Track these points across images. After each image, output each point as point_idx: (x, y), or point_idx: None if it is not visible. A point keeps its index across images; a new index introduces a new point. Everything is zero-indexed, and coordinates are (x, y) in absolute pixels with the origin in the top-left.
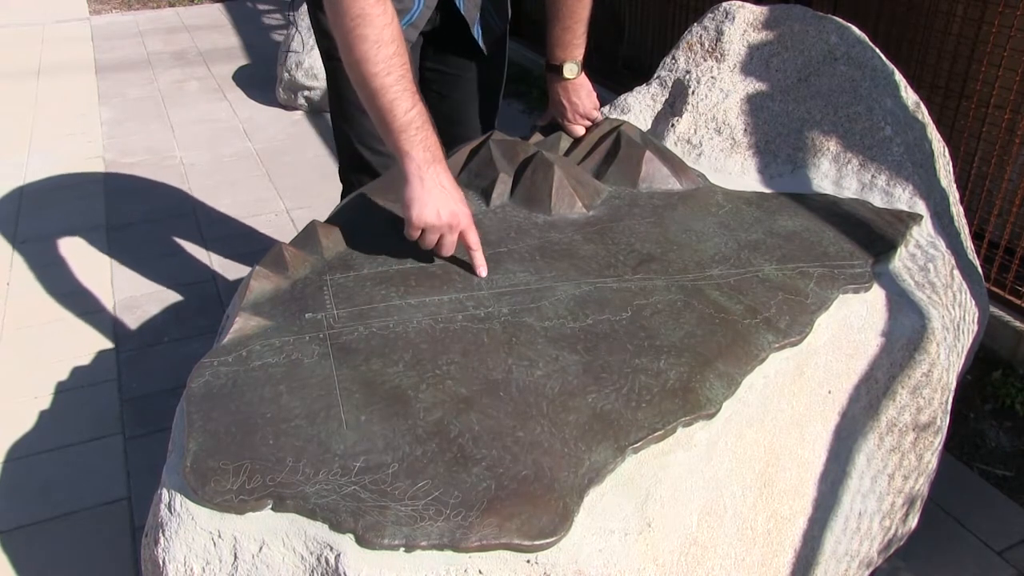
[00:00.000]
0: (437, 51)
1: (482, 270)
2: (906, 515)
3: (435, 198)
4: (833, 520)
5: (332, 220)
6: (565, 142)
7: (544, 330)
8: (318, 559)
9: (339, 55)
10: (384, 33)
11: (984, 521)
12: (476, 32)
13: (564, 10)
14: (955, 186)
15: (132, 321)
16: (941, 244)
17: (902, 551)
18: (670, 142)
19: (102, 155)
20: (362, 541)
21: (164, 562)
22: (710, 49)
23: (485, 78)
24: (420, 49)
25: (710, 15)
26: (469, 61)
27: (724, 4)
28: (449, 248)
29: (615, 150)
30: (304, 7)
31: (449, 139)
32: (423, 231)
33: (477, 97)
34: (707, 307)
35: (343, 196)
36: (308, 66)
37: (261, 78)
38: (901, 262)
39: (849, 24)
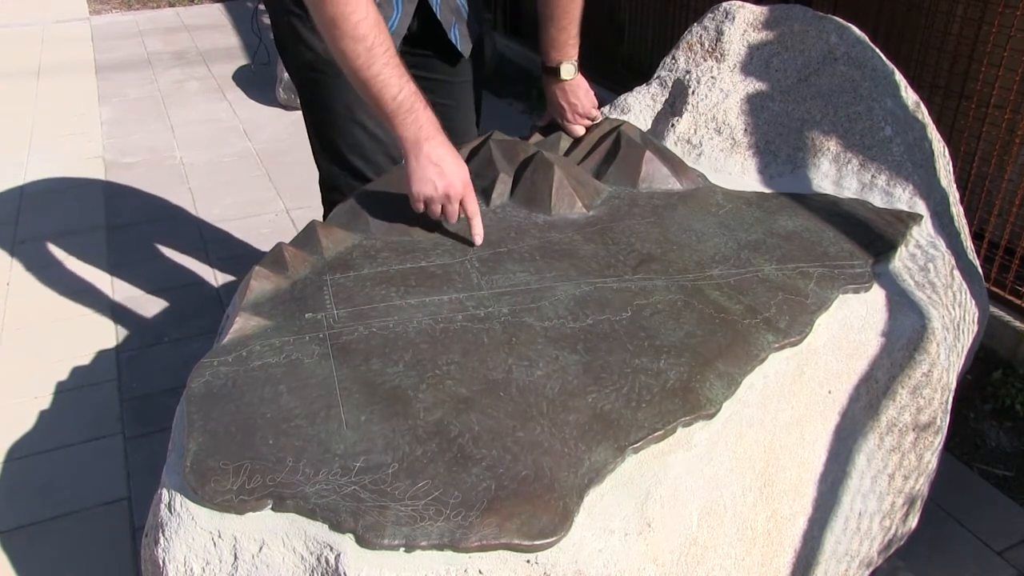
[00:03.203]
0: (419, 58)
1: (478, 239)
2: (906, 515)
3: (430, 172)
4: (833, 520)
5: (332, 220)
6: (565, 142)
7: (544, 330)
8: (318, 559)
9: (320, 67)
10: (358, 29)
11: (984, 521)
12: (453, 36)
13: (559, 11)
14: (955, 186)
15: (132, 321)
16: (941, 244)
17: (902, 551)
18: (670, 142)
19: (102, 155)
20: (362, 541)
21: (164, 562)
22: (710, 49)
23: (468, 79)
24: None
25: (710, 15)
26: (451, 66)
27: (724, 4)
28: (452, 216)
29: (615, 150)
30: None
31: None
32: (425, 203)
33: (464, 99)
34: (707, 307)
35: (325, 215)
36: None
37: (261, 78)
38: (901, 262)
39: (849, 24)
